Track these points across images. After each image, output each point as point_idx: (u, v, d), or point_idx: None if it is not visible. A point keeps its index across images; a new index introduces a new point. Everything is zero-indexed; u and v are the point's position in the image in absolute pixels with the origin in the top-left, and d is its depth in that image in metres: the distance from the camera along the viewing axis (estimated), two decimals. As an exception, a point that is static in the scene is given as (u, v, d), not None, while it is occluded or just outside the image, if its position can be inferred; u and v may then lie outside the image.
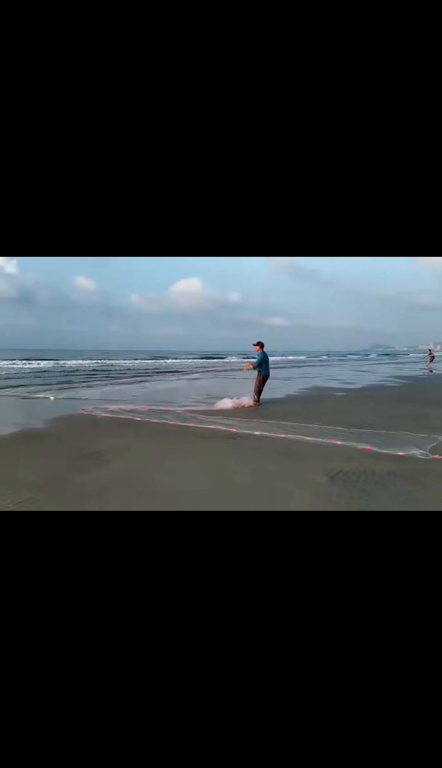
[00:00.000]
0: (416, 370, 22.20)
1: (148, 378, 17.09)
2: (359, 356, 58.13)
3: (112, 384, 13.83)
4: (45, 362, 27.17)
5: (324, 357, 50.41)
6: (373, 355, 66.24)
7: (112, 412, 7.26)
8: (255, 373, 8.59)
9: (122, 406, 7.73)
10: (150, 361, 34.79)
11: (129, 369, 24.08)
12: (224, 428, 5.79)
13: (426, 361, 22.55)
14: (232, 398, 8.13)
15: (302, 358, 45.71)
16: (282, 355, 43.79)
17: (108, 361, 31.34)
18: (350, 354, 67.22)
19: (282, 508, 3.04)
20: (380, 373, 20.19)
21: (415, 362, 32.87)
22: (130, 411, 7.28)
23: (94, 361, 30.15)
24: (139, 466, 4.20)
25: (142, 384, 14.11)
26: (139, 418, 6.67)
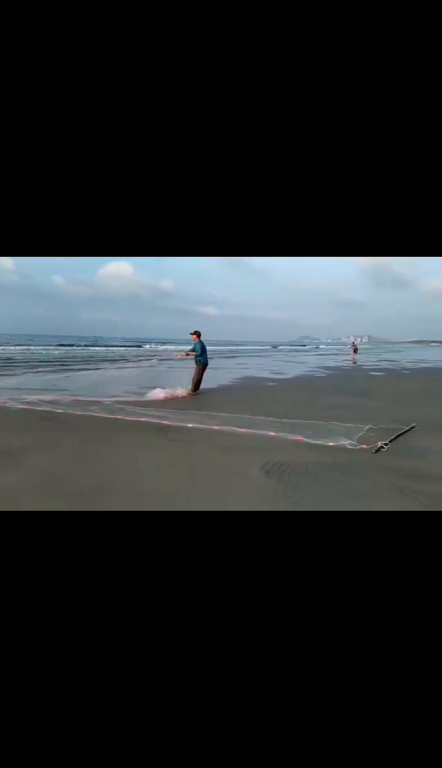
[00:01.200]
0: (341, 361, 23.63)
1: (76, 366, 15.98)
2: (290, 347, 60.67)
3: (32, 372, 12.64)
4: None
5: (267, 348, 51.91)
6: (309, 346, 70.08)
7: (29, 403, 6.53)
8: (193, 362, 8.38)
9: (42, 397, 7.00)
10: (79, 348, 32.81)
11: (56, 357, 22.39)
12: (156, 420, 5.47)
13: (350, 353, 24.01)
14: (164, 388, 7.80)
15: (247, 348, 46.48)
16: (216, 345, 44.04)
17: (30, 347, 28.96)
18: (282, 345, 70.04)
19: (221, 504, 2.87)
20: (308, 363, 21.12)
21: (340, 354, 35.05)
22: (51, 402, 6.61)
23: (15, 347, 27.64)
24: (57, 465, 3.75)
25: (68, 372, 13.09)
26: (60, 410, 6.07)
